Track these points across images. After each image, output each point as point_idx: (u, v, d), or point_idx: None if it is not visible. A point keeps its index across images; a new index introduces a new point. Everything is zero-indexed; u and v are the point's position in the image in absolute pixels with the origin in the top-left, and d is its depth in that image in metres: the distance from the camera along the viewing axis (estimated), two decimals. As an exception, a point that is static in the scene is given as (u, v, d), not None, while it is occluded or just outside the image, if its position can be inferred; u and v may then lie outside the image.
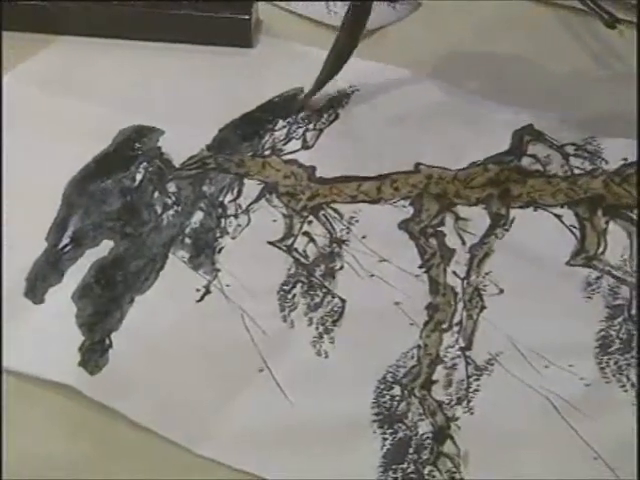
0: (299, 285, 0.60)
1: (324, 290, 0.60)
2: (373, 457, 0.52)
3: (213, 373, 0.56)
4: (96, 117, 0.71)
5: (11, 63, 0.75)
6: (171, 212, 0.65)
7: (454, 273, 0.61)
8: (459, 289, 0.61)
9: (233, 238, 0.63)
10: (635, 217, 0.64)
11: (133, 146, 0.69)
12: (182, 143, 0.69)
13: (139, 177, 0.67)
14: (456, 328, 0.59)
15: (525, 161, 0.68)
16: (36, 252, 0.62)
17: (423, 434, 0.53)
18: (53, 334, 0.57)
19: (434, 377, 0.56)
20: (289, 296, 0.60)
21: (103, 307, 0.59)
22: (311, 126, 0.71)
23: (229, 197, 0.66)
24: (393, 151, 0.68)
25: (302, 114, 0.72)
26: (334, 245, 0.63)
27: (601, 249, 0.63)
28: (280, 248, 0.63)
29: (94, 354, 0.56)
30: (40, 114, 0.71)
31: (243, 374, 0.56)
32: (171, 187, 0.66)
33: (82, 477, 0.51)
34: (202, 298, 0.60)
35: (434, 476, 0.52)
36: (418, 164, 0.68)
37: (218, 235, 0.63)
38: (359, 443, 0.53)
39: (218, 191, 0.66)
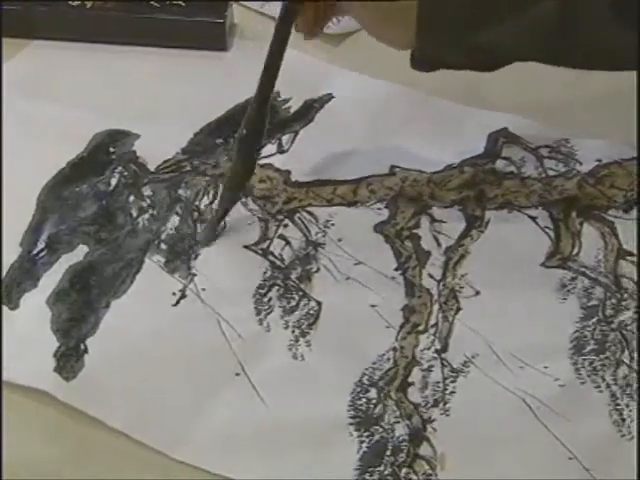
0: (275, 288, 0.60)
1: (300, 293, 0.60)
2: (350, 460, 0.53)
3: (189, 377, 0.56)
4: (70, 121, 0.70)
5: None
6: (147, 216, 0.64)
7: (430, 275, 0.62)
8: (435, 291, 0.61)
9: None
10: (609, 218, 0.65)
11: (108, 150, 0.69)
12: (157, 147, 0.69)
13: (114, 181, 0.67)
14: (432, 330, 0.59)
15: (500, 163, 0.69)
16: (11, 257, 0.61)
17: (399, 436, 0.54)
18: (28, 340, 0.57)
19: (410, 379, 0.56)
20: (265, 299, 0.60)
21: (78, 312, 0.59)
22: (286, 130, 0.71)
23: (205, 201, 0.66)
24: (368, 154, 0.68)
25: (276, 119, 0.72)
26: (310, 248, 0.63)
27: (575, 250, 0.63)
28: (256, 252, 0.63)
29: (69, 359, 0.56)
30: (13, 118, 0.70)
31: (219, 378, 0.56)
32: (146, 191, 0.66)
33: (58, 482, 0.51)
34: (178, 302, 0.59)
35: (411, 478, 0.52)
36: (393, 167, 0.68)
37: (194, 239, 0.63)
38: (336, 446, 0.53)
39: (194, 195, 0.66)
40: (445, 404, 0.55)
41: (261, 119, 0.60)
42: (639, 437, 0.53)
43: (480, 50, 0.55)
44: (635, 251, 0.63)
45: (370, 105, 0.73)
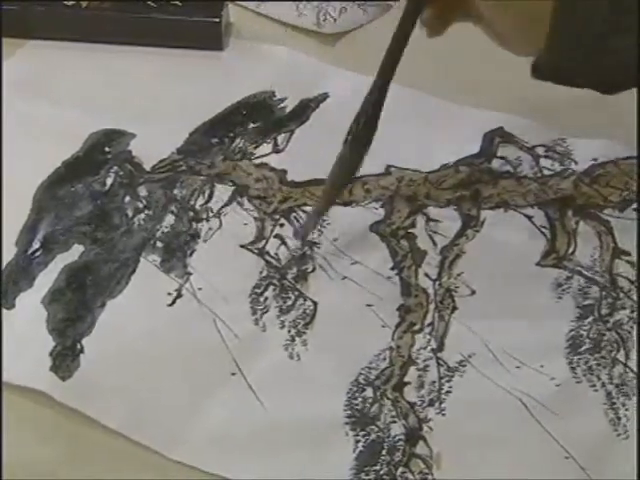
0: (271, 288, 0.60)
1: (296, 293, 0.60)
2: (346, 459, 0.53)
3: (185, 377, 0.56)
4: (66, 121, 0.70)
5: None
6: (142, 216, 0.64)
7: (426, 275, 0.61)
8: (431, 290, 0.61)
9: (205, 241, 0.63)
10: (605, 217, 0.65)
11: (103, 150, 0.69)
12: (153, 146, 0.69)
13: (109, 181, 0.67)
14: (428, 329, 0.59)
15: (496, 163, 0.69)
16: (8, 256, 0.61)
17: (395, 436, 0.54)
18: (24, 339, 0.57)
19: (406, 379, 0.56)
20: (261, 299, 0.60)
21: (74, 312, 0.58)
22: (282, 129, 0.71)
23: (200, 200, 0.66)
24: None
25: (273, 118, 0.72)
26: (306, 248, 0.63)
27: (571, 249, 0.63)
28: (252, 251, 0.63)
29: (65, 359, 0.56)
30: (10, 118, 0.70)
31: (215, 377, 0.56)
32: (142, 191, 0.66)
33: (54, 482, 0.51)
34: (174, 302, 0.59)
35: (407, 478, 0.52)
36: (389, 166, 0.68)
37: (189, 238, 0.63)
38: (332, 445, 0.53)
39: (189, 194, 0.66)
40: (441, 403, 0.55)
41: (376, 113, 0.58)
42: (639, 437, 0.53)
43: (609, 68, 0.54)
44: (631, 250, 0.63)
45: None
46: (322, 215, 0.61)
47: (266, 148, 0.70)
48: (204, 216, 0.64)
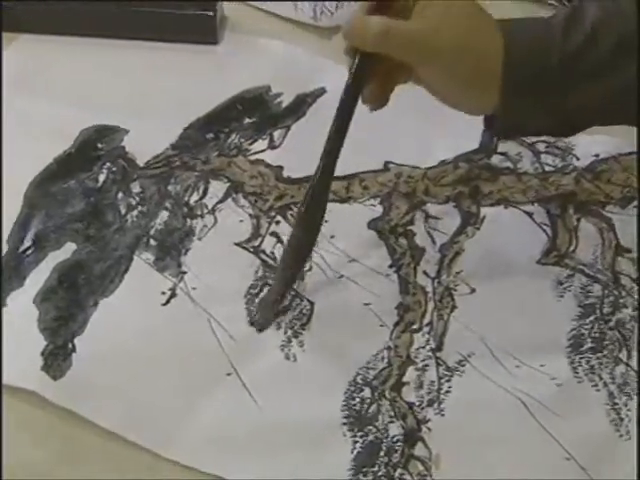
0: (267, 288, 0.60)
1: (292, 293, 0.59)
2: (343, 460, 0.52)
3: (180, 377, 0.55)
4: (58, 116, 0.70)
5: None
6: (135, 213, 0.64)
7: (424, 273, 0.61)
8: (430, 289, 0.60)
9: (199, 239, 0.63)
10: (607, 214, 0.65)
11: (96, 146, 0.68)
12: (146, 142, 0.68)
13: (102, 177, 0.66)
14: (427, 329, 0.58)
15: (496, 159, 0.68)
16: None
17: (394, 437, 0.53)
18: (15, 339, 0.56)
19: (405, 379, 0.56)
20: (257, 300, 0.59)
21: (66, 311, 0.58)
22: (278, 125, 0.71)
23: (195, 197, 0.65)
24: (362, 150, 0.67)
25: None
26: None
27: (572, 247, 0.63)
28: (247, 249, 0.62)
29: (57, 359, 0.56)
30: (0, 113, 0.69)
31: (210, 378, 0.55)
32: (135, 187, 0.66)
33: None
34: (168, 301, 0.59)
35: (405, 479, 0.52)
36: (387, 162, 0.68)
37: (184, 236, 0.63)
38: (329, 446, 0.53)
39: (183, 190, 0.65)
40: (440, 404, 0.55)
41: (327, 184, 0.57)
42: (639, 437, 0.53)
43: (567, 115, 0.55)
44: (633, 247, 0.62)
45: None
46: (278, 304, 0.59)
47: (262, 144, 0.69)
48: (199, 212, 0.64)
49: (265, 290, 0.59)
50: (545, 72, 0.53)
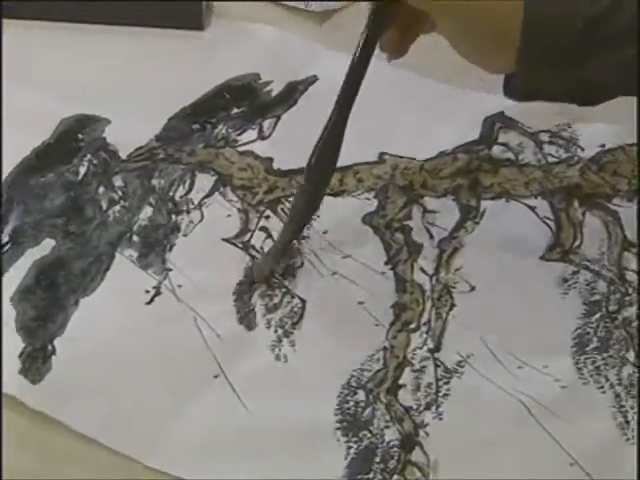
0: (256, 285, 0.59)
1: (283, 290, 0.59)
2: (337, 467, 0.52)
3: (164, 380, 0.55)
4: (36, 105, 0.68)
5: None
6: (118, 208, 0.63)
7: (422, 270, 0.60)
8: (427, 286, 0.60)
9: (185, 235, 0.62)
10: (613, 207, 0.64)
11: (76, 137, 0.67)
12: (129, 133, 0.67)
13: (83, 170, 0.65)
14: (424, 328, 0.58)
15: (496, 150, 0.68)
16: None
17: (390, 442, 0.53)
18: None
19: (401, 381, 0.55)
20: (245, 297, 0.58)
21: (45, 310, 0.57)
22: (268, 115, 0.70)
23: (180, 191, 0.64)
24: (356, 140, 0.66)
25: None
26: (293, 241, 0.61)
27: (577, 242, 0.62)
28: (236, 245, 0.61)
29: (36, 361, 0.55)
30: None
31: (197, 380, 0.55)
32: (117, 181, 0.65)
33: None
34: (152, 300, 0.58)
35: (402, 486, 0.51)
36: (383, 154, 0.67)
37: (169, 232, 0.62)
38: (321, 452, 0.52)
39: (168, 185, 0.65)
40: (438, 407, 0.54)
41: (335, 146, 0.57)
42: (639, 437, 0.53)
43: (584, 83, 0.54)
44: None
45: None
46: (282, 255, 0.60)
47: (251, 135, 0.68)
48: (184, 208, 0.63)
49: (255, 288, 0.59)
50: (565, 39, 0.52)
